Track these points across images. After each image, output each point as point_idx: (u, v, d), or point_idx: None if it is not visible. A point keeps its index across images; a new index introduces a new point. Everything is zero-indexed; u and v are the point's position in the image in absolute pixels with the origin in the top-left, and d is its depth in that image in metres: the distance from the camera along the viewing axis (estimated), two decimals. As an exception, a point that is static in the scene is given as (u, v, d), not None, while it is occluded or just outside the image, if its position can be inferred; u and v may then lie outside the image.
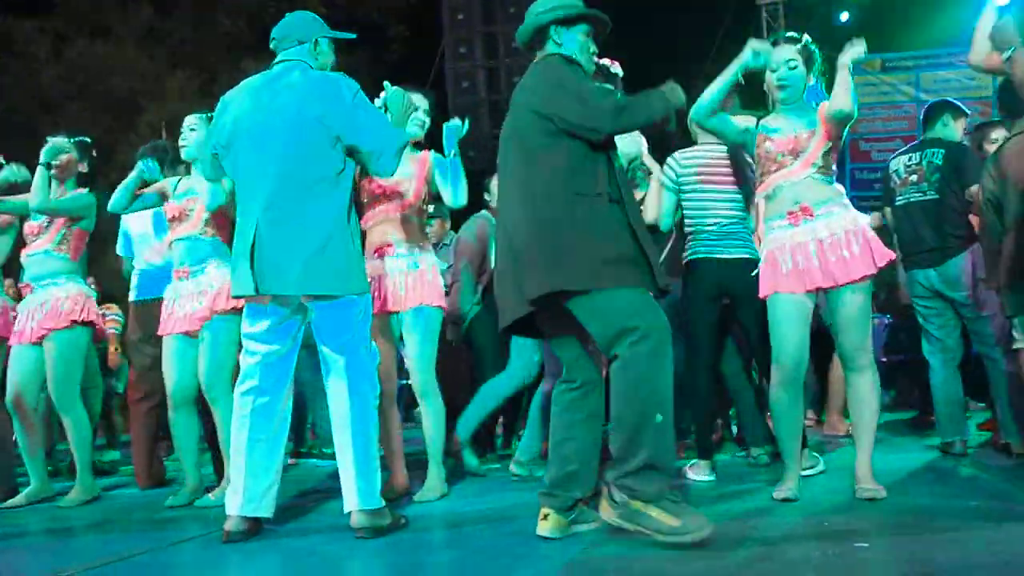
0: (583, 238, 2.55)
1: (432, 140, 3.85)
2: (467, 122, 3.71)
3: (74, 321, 4.14)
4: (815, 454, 3.82)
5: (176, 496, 3.94)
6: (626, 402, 2.51)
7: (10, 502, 4.17)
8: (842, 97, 3.06)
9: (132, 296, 4.70)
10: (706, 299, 3.80)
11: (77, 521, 3.71)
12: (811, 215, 3.10)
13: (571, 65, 2.73)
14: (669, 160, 3.92)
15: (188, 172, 4.03)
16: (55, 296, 4.15)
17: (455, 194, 3.62)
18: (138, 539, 3.13)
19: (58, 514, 3.93)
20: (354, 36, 3.29)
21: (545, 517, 2.67)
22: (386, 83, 3.50)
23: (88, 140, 4.49)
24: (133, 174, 3.96)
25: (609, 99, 2.62)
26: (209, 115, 3.98)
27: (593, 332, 2.59)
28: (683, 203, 3.91)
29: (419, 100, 3.73)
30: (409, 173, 3.69)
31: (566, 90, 2.63)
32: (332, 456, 5.29)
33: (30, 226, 4.29)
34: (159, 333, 3.97)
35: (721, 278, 3.76)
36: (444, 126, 3.65)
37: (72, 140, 4.35)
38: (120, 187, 3.94)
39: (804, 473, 3.41)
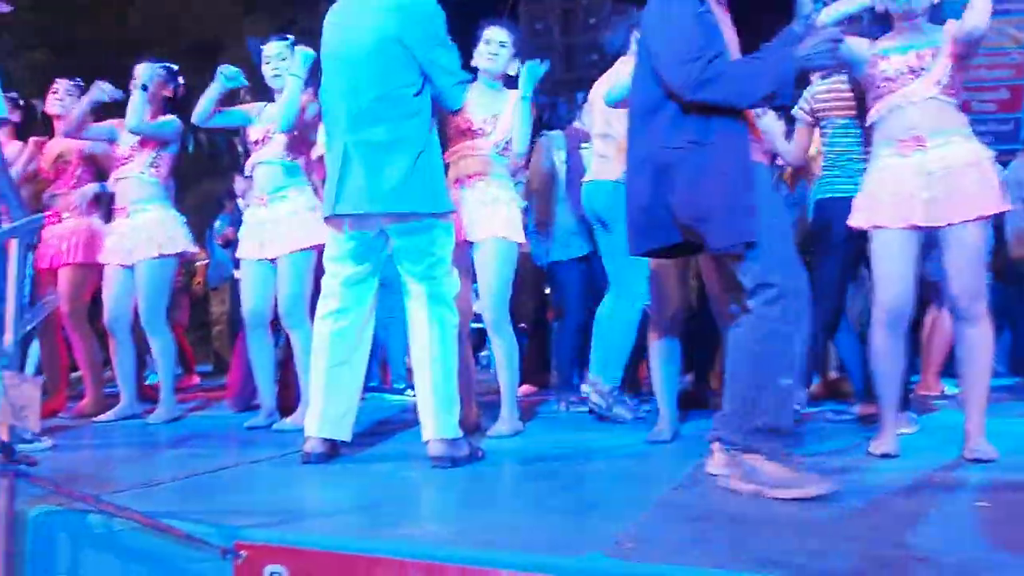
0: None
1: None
2: (546, 64, 3.64)
3: (163, 253, 4.24)
4: (913, 413, 3.64)
5: (255, 418, 4.04)
6: (752, 359, 2.40)
7: (101, 417, 4.32)
8: (979, 11, 2.76)
9: None
10: (846, 239, 3.49)
11: (163, 438, 3.83)
12: (924, 145, 2.87)
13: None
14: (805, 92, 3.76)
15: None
16: (146, 222, 4.25)
17: (516, 139, 3.59)
18: (220, 456, 3.21)
19: (145, 431, 4.06)
20: None
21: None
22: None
23: (175, 67, 4.53)
24: (215, 83, 3.97)
25: (699, 63, 2.38)
26: (292, 41, 4.02)
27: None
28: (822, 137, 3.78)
29: (492, 33, 3.69)
30: (497, 111, 3.66)
31: (664, 32, 2.48)
32: (402, 391, 5.46)
33: (120, 150, 4.37)
34: (237, 256, 4.03)
35: None
36: (525, 65, 3.59)
37: (161, 66, 4.40)
38: (203, 97, 3.98)
39: (902, 430, 3.23)
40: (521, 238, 3.67)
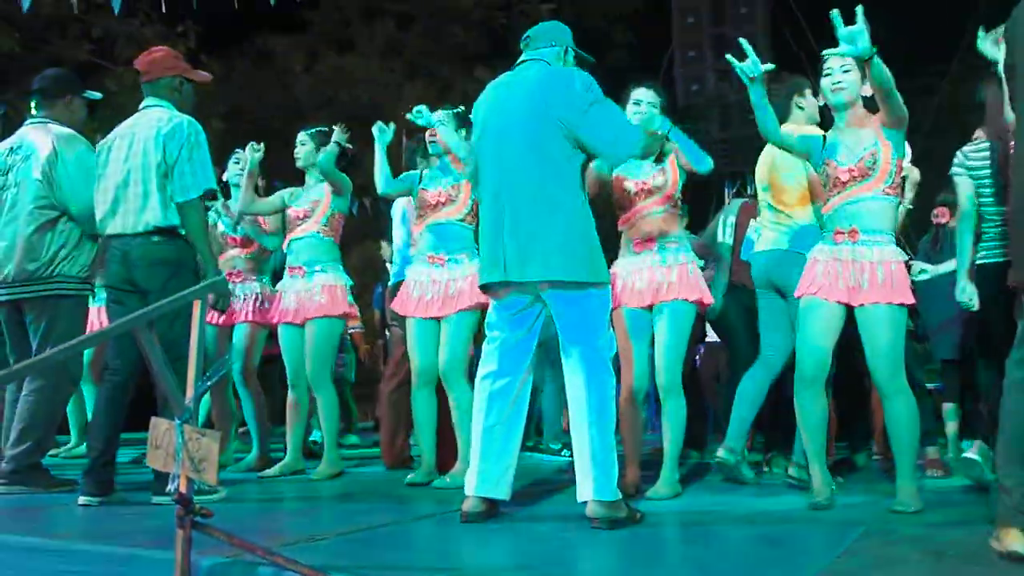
0: None
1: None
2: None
3: (331, 314, 4.39)
4: None
5: (415, 474, 4.08)
6: None
7: (266, 472, 4.48)
8: None
9: (394, 279, 4.92)
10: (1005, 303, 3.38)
11: (326, 492, 3.93)
12: None
13: None
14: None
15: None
16: (320, 285, 4.41)
17: (698, 160, 3.53)
18: (382, 512, 3.25)
19: (309, 486, 4.18)
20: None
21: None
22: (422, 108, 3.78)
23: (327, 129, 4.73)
24: (377, 144, 4.16)
25: None
26: (456, 111, 4.15)
27: None
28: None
29: (640, 94, 3.70)
30: (662, 165, 3.66)
31: None
32: (557, 452, 5.41)
33: (295, 211, 4.56)
34: (402, 314, 4.12)
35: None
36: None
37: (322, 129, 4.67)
38: (376, 167, 4.16)
39: None
40: (704, 298, 3.63)
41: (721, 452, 3.82)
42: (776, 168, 3.91)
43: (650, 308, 3.63)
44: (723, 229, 4.81)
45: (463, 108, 4.18)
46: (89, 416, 5.27)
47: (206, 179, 3.60)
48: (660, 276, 3.58)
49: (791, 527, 2.89)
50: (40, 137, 3.99)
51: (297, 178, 4.81)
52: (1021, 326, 2.31)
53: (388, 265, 6.17)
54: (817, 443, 3.22)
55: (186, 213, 3.55)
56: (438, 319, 4.01)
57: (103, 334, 2.76)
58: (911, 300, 3.10)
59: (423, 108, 4.05)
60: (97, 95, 4.31)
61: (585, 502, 2.85)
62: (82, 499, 3.45)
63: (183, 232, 3.58)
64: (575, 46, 3.18)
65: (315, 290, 4.41)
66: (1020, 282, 2.38)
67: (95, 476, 3.47)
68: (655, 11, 13.75)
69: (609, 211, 3.81)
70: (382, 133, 4.22)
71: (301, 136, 4.67)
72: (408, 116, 4.07)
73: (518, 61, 3.16)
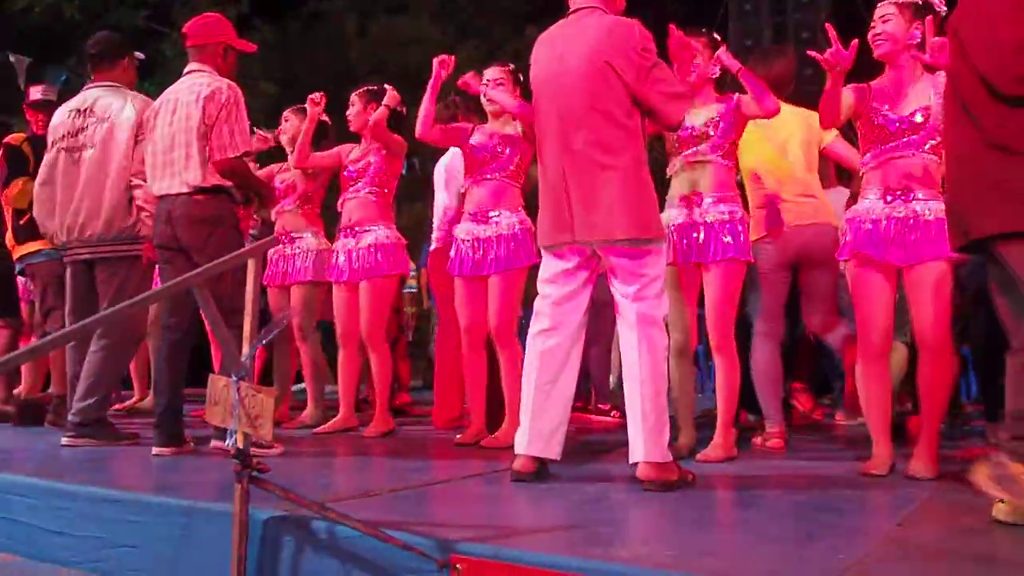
0: None
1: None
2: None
3: (386, 273, 4.43)
4: None
5: (464, 434, 4.12)
6: None
7: (321, 428, 4.56)
8: None
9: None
10: None
11: (377, 450, 3.99)
12: None
13: None
14: None
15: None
16: (373, 244, 4.45)
17: (764, 101, 3.44)
18: (432, 470, 3.29)
19: (361, 443, 4.25)
20: None
21: (1001, 501, 2.28)
22: None
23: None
24: (427, 92, 4.01)
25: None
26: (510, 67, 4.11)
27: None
28: None
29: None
30: (714, 113, 3.57)
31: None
32: (607, 412, 5.41)
33: (349, 172, 4.58)
34: (450, 272, 4.13)
35: None
36: None
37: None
38: (420, 111, 4.04)
39: None
40: (750, 257, 3.56)
41: None
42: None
43: (697, 266, 3.57)
44: None
45: (512, 66, 4.13)
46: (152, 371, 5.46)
47: (244, 141, 3.72)
48: (707, 233, 3.51)
49: (849, 492, 2.84)
50: (117, 101, 4.07)
51: (351, 140, 4.83)
52: None
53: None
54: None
55: (227, 170, 3.67)
56: (484, 278, 4.01)
57: (158, 293, 2.83)
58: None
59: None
60: (141, 56, 4.37)
61: (636, 463, 2.85)
62: (155, 450, 3.64)
63: (224, 190, 3.68)
64: None
65: (368, 250, 4.44)
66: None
67: (165, 428, 3.66)
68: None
69: None
70: (442, 66, 3.98)
71: (352, 97, 4.67)
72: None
73: (571, 10, 3.05)
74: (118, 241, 4.00)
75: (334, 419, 4.61)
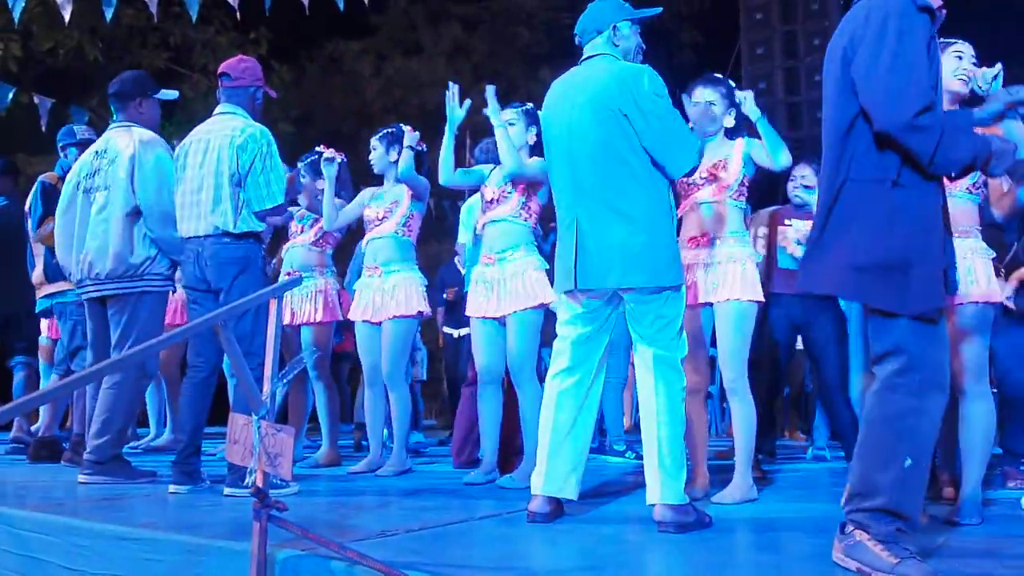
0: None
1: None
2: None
3: (407, 314, 4.45)
4: None
5: (475, 474, 4.12)
6: (877, 433, 2.18)
7: (356, 468, 4.58)
8: None
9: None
10: None
11: (393, 489, 3.98)
12: None
13: (916, 16, 2.16)
14: None
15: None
16: (396, 284, 4.48)
17: (776, 154, 3.49)
18: (449, 510, 3.28)
19: (377, 482, 4.25)
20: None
21: None
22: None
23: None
24: (446, 138, 4.09)
25: (917, 103, 2.09)
26: (526, 108, 4.16)
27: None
28: None
29: (699, 94, 3.68)
30: (724, 155, 3.60)
31: (880, 50, 2.14)
32: (622, 454, 5.39)
33: (374, 211, 4.62)
34: (466, 313, 4.16)
35: None
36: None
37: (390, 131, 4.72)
38: (441, 158, 4.11)
39: None
40: (759, 297, 3.55)
41: None
42: None
43: (708, 306, 3.57)
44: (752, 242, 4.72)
45: (531, 105, 4.18)
46: (167, 409, 5.50)
47: (280, 190, 3.79)
48: (715, 275, 3.52)
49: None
50: (124, 140, 4.13)
51: (368, 178, 4.88)
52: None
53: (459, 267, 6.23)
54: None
55: (263, 221, 3.77)
56: (498, 318, 4.02)
57: (182, 332, 2.85)
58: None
59: (492, 92, 3.95)
60: (173, 94, 4.40)
61: (653, 505, 2.84)
62: (172, 487, 3.67)
63: (253, 235, 3.76)
64: (627, 11, 3.09)
65: (391, 290, 4.47)
66: None
67: (182, 466, 3.70)
68: (722, 8, 13.51)
69: None
70: (453, 113, 4.08)
71: (373, 141, 4.72)
72: (484, 97, 3.98)
73: (583, 57, 3.09)
74: (125, 278, 4.03)
75: (365, 460, 4.63)
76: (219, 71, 3.99)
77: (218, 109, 3.92)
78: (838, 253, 2.23)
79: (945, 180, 2.29)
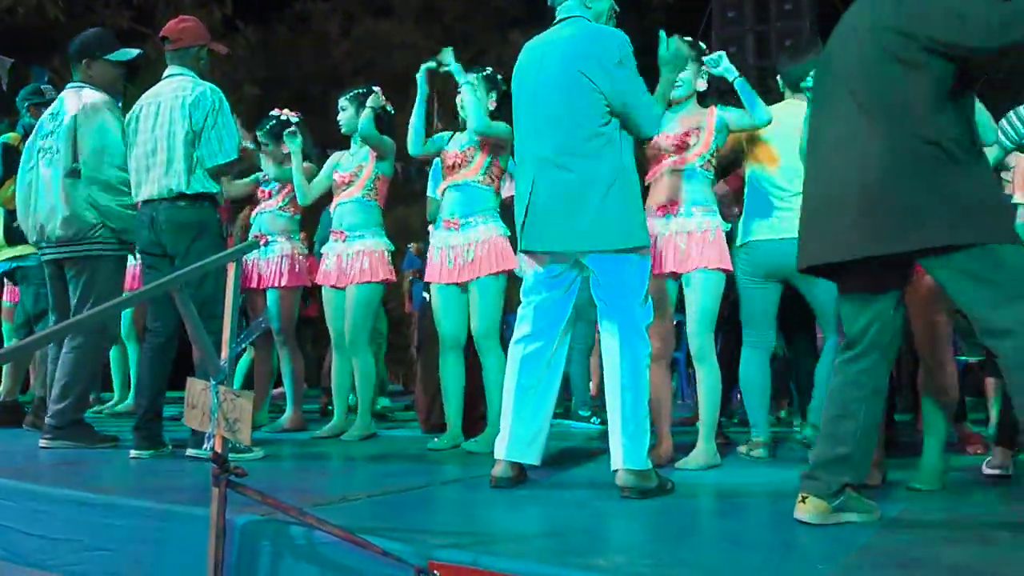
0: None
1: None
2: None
3: (372, 279, 4.43)
4: None
5: (439, 440, 4.13)
6: None
7: (319, 433, 4.55)
8: None
9: None
10: None
11: (357, 454, 3.98)
12: None
13: None
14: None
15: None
16: (361, 250, 4.45)
17: (756, 112, 3.51)
18: (412, 475, 3.28)
19: (341, 447, 4.24)
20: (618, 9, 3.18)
21: (803, 500, 2.39)
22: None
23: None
24: (416, 108, 4.06)
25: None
26: (486, 73, 4.13)
27: (970, 298, 2.26)
28: None
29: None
30: (696, 124, 3.59)
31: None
32: (587, 419, 5.42)
33: (340, 176, 4.58)
34: (426, 280, 4.14)
35: None
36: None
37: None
38: (410, 127, 4.08)
39: None
40: (727, 265, 3.57)
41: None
42: None
43: (674, 276, 3.58)
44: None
45: (491, 70, 4.15)
46: (132, 373, 5.44)
47: (233, 147, 3.74)
48: (684, 243, 3.53)
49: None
50: (72, 102, 4.06)
51: (338, 142, 4.82)
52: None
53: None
54: None
55: (220, 177, 3.72)
56: (460, 284, 4.01)
57: (138, 296, 2.82)
58: None
59: (449, 53, 3.96)
60: (129, 53, 4.29)
61: (616, 471, 2.85)
62: (133, 452, 3.64)
63: (207, 196, 3.70)
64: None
65: (356, 255, 4.45)
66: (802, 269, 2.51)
67: (143, 431, 3.66)
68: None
69: None
70: (423, 82, 4.07)
71: (342, 101, 4.66)
72: (438, 58, 3.99)
73: (555, 20, 3.06)
74: (75, 241, 3.97)
75: (330, 423, 4.61)
76: (160, 34, 3.95)
77: (166, 72, 3.89)
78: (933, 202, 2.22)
79: None
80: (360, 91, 4.64)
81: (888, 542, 2.25)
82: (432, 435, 4.51)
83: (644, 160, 3.68)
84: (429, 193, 4.82)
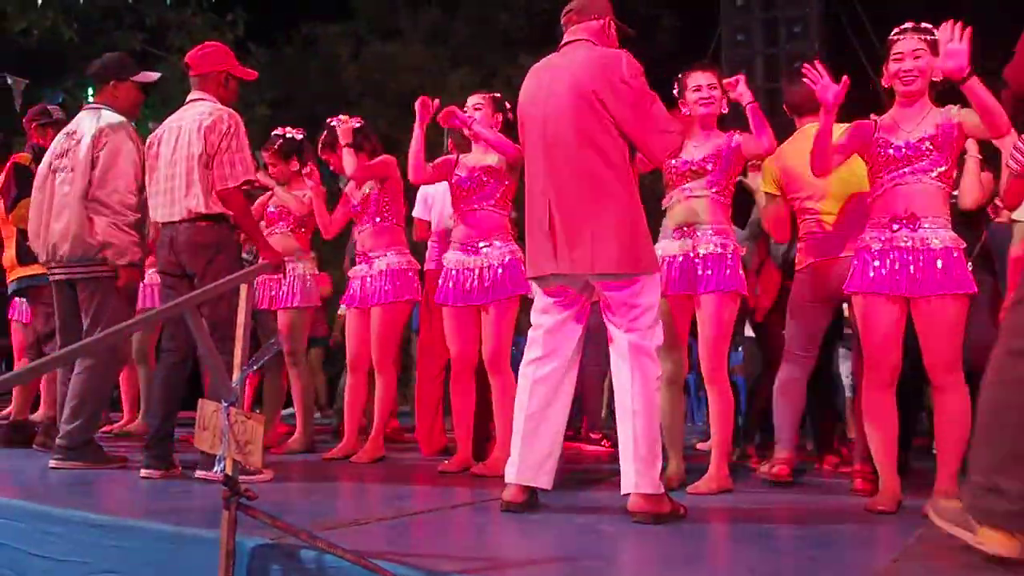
0: None
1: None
2: None
3: (396, 300, 4.44)
4: None
5: (449, 463, 4.10)
6: None
7: (328, 454, 4.54)
8: None
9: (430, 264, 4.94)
10: None
11: (367, 477, 3.96)
12: None
13: None
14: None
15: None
16: (384, 271, 4.48)
17: (761, 139, 3.50)
18: (422, 498, 3.27)
19: (351, 469, 4.22)
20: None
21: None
22: None
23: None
24: (415, 133, 4.00)
25: None
26: (494, 96, 4.14)
27: None
28: None
29: (701, 78, 3.65)
30: (713, 149, 3.60)
31: None
32: (599, 442, 5.39)
33: (352, 206, 4.64)
34: (438, 302, 4.13)
35: None
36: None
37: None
38: (410, 154, 4.03)
39: None
40: (743, 289, 3.56)
41: None
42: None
43: (688, 298, 3.58)
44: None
45: (499, 95, 4.16)
46: (141, 395, 5.44)
47: (246, 169, 3.75)
48: (699, 265, 3.52)
49: (844, 527, 2.82)
50: (90, 122, 4.08)
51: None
52: None
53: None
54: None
55: (229, 200, 3.71)
56: (473, 307, 4.01)
57: (152, 317, 2.82)
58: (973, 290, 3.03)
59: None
60: (153, 76, 4.34)
61: (628, 495, 2.83)
62: (143, 472, 3.63)
63: (225, 218, 3.72)
64: (615, 19, 3.09)
65: (380, 276, 4.48)
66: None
67: (154, 451, 3.66)
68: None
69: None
70: (424, 109, 3.98)
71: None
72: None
73: (564, 41, 3.06)
74: (88, 261, 3.98)
75: (340, 445, 4.59)
76: (184, 59, 3.98)
77: (188, 97, 3.92)
78: None
79: None
80: (358, 127, 4.56)
81: (905, 569, 2.22)
82: (435, 458, 4.49)
83: (662, 183, 3.68)
84: (415, 214, 4.87)
